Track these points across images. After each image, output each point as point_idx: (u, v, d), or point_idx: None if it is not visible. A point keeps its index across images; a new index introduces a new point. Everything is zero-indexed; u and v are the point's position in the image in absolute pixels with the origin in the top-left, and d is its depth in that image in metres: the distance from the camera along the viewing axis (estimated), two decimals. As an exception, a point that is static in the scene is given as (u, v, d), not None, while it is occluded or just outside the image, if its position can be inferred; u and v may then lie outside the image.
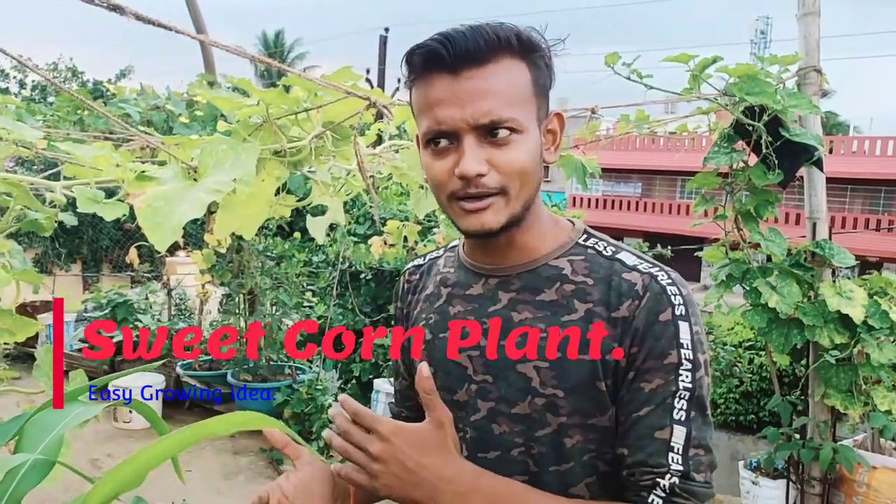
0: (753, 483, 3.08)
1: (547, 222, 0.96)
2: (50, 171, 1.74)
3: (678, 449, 0.84)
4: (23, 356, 5.81)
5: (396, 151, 2.35)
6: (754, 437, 6.89)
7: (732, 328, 7.27)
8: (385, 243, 3.83)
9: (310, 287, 5.65)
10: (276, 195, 1.89)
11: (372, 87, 1.85)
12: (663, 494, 0.84)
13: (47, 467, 1.03)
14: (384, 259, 5.50)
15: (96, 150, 1.45)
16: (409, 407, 1.15)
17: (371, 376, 5.19)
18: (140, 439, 4.21)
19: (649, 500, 0.84)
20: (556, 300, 0.90)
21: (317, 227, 2.11)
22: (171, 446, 0.81)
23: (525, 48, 0.88)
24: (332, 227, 4.73)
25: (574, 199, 23.87)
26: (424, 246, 3.81)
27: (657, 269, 0.90)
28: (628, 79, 2.65)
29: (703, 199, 2.98)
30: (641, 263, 0.91)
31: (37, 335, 5.95)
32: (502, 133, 0.85)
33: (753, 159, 2.64)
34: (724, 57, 2.50)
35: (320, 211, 2.14)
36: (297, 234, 6.36)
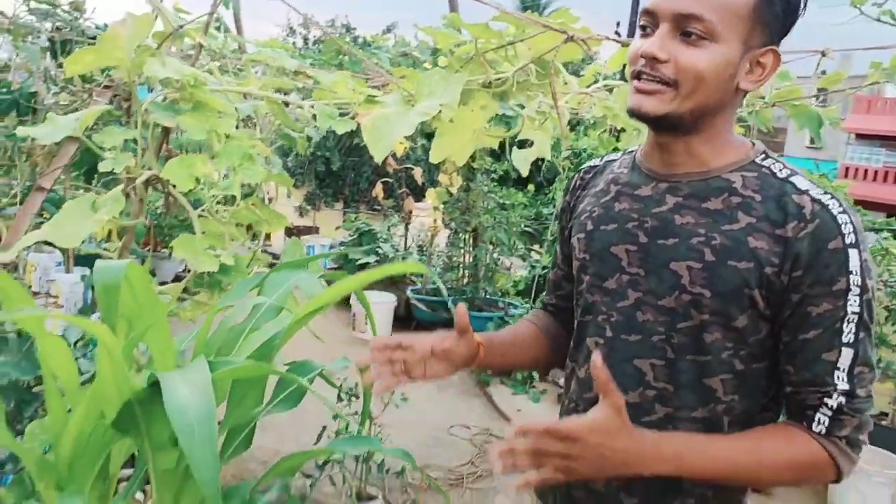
0: None
1: (728, 140, 0.99)
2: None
3: (844, 368, 0.89)
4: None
5: (610, 91, 2.40)
6: None
7: None
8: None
9: (540, 238, 5.87)
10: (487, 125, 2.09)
11: (620, 38, 1.95)
12: (830, 413, 0.89)
13: (278, 310, 1.37)
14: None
15: (336, 77, 1.76)
16: (559, 296, 1.26)
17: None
18: (372, 348, 4.81)
19: (816, 419, 0.90)
20: (721, 209, 0.94)
21: (521, 160, 2.28)
22: (355, 282, 1.09)
23: None
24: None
25: (846, 169, 20.49)
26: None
27: (829, 196, 0.91)
28: (877, 20, 2.42)
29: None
30: (814, 189, 0.92)
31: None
32: (693, 32, 0.89)
33: None
34: None
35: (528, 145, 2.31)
36: (531, 187, 6.62)
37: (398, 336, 1.10)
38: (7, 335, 1.85)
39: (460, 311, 1.09)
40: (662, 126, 0.96)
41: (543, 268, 5.64)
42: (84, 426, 1.00)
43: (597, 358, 0.85)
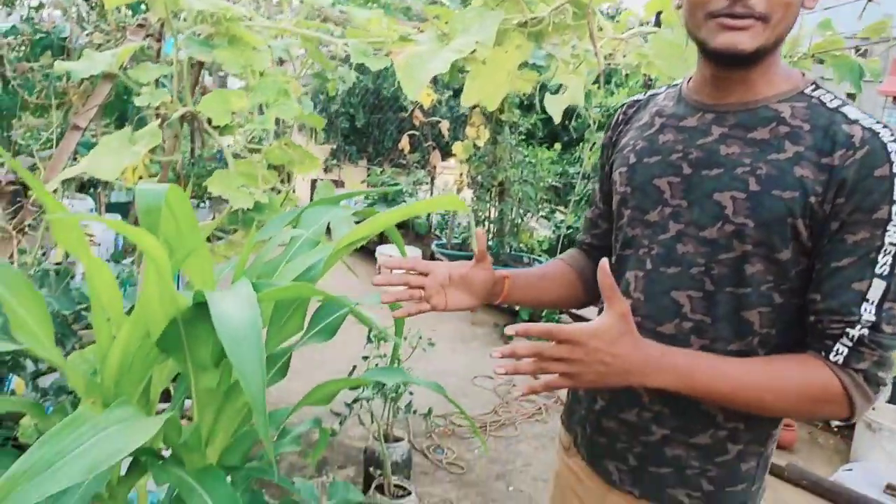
0: None
1: (780, 69, 0.98)
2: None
3: (873, 301, 0.86)
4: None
5: (644, 38, 2.35)
6: None
7: None
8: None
9: (565, 198, 5.83)
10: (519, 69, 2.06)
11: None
12: (850, 344, 0.87)
13: (314, 244, 1.38)
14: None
15: (370, 14, 1.73)
16: (595, 235, 1.25)
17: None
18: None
19: (835, 349, 0.88)
20: (768, 139, 0.93)
21: (554, 106, 2.25)
22: (391, 216, 1.08)
23: None
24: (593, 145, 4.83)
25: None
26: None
27: (880, 125, 0.89)
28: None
29: None
30: (865, 119, 0.90)
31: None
32: None
33: None
34: None
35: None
36: (557, 146, 6.55)
37: (414, 259, 1.10)
38: (48, 270, 1.89)
39: (479, 235, 1.10)
40: (751, 60, 0.93)
41: (568, 228, 5.63)
42: (130, 345, 1.02)
43: (603, 263, 0.86)
